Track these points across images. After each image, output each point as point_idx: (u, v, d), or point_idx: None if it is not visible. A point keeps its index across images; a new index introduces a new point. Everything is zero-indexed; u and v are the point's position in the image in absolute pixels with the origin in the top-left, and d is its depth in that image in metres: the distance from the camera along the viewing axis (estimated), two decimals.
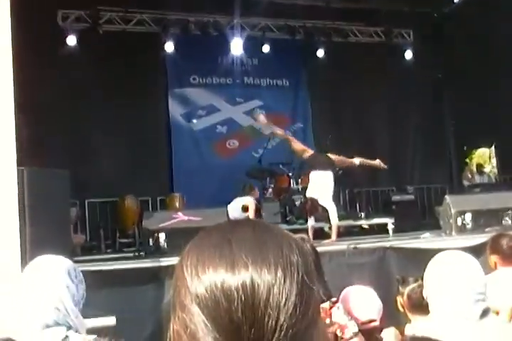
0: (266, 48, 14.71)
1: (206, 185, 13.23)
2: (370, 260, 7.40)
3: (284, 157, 13.77)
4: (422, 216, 13.57)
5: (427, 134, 15.35)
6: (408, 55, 15.38)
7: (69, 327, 2.46)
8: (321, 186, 9.63)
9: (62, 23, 13.15)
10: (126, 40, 13.31)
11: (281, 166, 12.87)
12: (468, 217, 8.57)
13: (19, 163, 4.88)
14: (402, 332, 3.62)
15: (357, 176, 12.78)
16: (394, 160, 14.95)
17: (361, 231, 11.90)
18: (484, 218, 8.63)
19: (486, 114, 13.65)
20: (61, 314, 2.46)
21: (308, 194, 9.76)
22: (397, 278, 3.89)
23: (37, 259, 2.65)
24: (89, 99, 12.83)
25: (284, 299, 0.94)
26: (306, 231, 8.97)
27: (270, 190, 12.43)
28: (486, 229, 8.22)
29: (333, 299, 3.28)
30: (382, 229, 11.13)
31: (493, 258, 4.41)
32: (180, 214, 8.06)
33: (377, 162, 10.69)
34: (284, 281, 0.96)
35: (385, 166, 10.77)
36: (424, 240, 8.43)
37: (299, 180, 12.38)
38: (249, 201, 10.53)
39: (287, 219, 11.73)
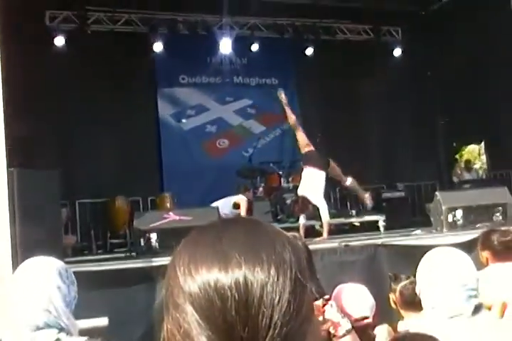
0: (255, 47, 14.71)
1: (196, 184, 13.22)
2: (361, 257, 7.41)
3: (274, 156, 13.83)
4: (412, 213, 13.60)
5: (417, 131, 15.37)
6: (397, 52, 15.43)
7: (60, 329, 2.45)
8: (312, 184, 9.57)
9: (50, 24, 13.09)
10: (115, 41, 13.28)
11: (271, 165, 12.89)
12: (458, 213, 8.60)
13: (9, 165, 4.86)
14: (394, 329, 3.63)
15: (346, 174, 12.79)
16: (384, 157, 15.01)
17: (352, 229, 11.92)
18: (475, 214, 8.66)
19: (475, 110, 13.70)
20: (52, 316, 2.44)
21: (300, 191, 9.70)
22: (390, 275, 3.91)
23: (28, 261, 2.64)
24: (78, 100, 12.79)
25: (277, 297, 0.94)
26: (297, 229, 8.97)
27: (261, 188, 12.45)
28: (477, 225, 8.25)
29: (326, 296, 3.28)
30: (373, 227, 11.15)
31: (485, 254, 4.42)
32: (171, 213, 8.04)
33: (367, 196, 10.47)
34: (278, 279, 0.95)
35: (371, 204, 10.52)
36: (416, 237, 8.46)
37: (290, 179, 12.40)
38: (241, 198, 10.52)
39: (278, 217, 11.75)
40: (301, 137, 10.22)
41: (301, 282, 0.98)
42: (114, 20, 13.65)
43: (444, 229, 8.61)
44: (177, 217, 7.89)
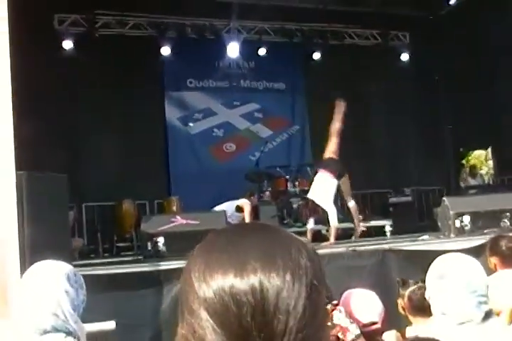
0: (262, 51, 14.72)
1: (203, 188, 13.20)
2: (369, 262, 7.37)
3: (281, 160, 13.82)
4: (419, 218, 13.55)
5: (424, 136, 15.35)
6: (404, 57, 15.41)
7: (68, 333, 2.45)
8: (323, 188, 9.52)
9: (58, 27, 13.13)
10: (123, 44, 13.31)
11: (278, 169, 12.88)
12: (466, 218, 8.56)
13: (18, 168, 4.87)
14: (403, 335, 3.62)
15: (354, 178, 12.76)
16: (391, 162, 14.98)
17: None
18: (483, 220, 8.61)
19: (482, 115, 13.67)
20: (60, 320, 2.44)
21: (310, 194, 9.65)
22: (398, 280, 3.90)
23: (36, 265, 2.64)
24: (86, 103, 12.85)
25: (293, 303, 0.94)
26: (304, 233, 8.96)
27: (267, 193, 12.44)
28: (485, 231, 8.21)
29: (335, 302, 3.28)
30: (379, 232, 11.12)
31: (493, 260, 4.41)
32: (178, 217, 8.02)
33: (359, 225, 10.25)
34: (293, 285, 0.95)
35: (359, 233, 10.32)
36: (423, 242, 8.41)
37: (296, 183, 12.39)
38: (244, 202, 10.47)
39: (285, 221, 11.74)
40: (333, 145, 10.10)
41: (317, 288, 0.99)
42: (123, 24, 13.69)
43: (452, 235, 8.57)
44: (184, 221, 7.88)
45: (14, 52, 4.81)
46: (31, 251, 5.10)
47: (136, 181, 12.53)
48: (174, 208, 12.06)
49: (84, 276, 2.73)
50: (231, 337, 0.93)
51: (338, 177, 9.59)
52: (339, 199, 10.66)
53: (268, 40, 14.78)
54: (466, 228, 8.56)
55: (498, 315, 3.28)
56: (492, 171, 15.37)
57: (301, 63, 15.52)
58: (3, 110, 4.60)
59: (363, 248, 7.80)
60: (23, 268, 4.43)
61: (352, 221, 10.22)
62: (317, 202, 9.39)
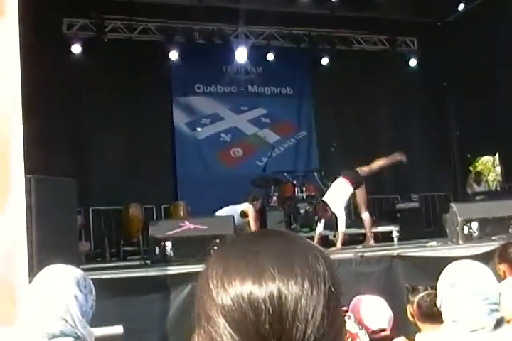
0: (270, 56, 14.75)
1: (210, 193, 13.17)
2: (377, 268, 7.37)
3: (288, 165, 13.80)
4: (426, 224, 13.54)
5: (432, 142, 15.35)
6: (412, 63, 15.41)
7: (76, 338, 2.44)
8: (337, 193, 9.83)
9: (67, 32, 13.18)
10: (131, 49, 13.36)
11: (285, 174, 12.87)
12: (474, 225, 8.54)
13: (26, 172, 4.87)
14: None
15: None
16: (398, 167, 14.93)
17: (365, 239, 11.86)
18: (491, 226, 8.59)
19: (490, 121, 13.62)
20: (68, 325, 2.44)
21: (325, 197, 9.95)
22: (407, 287, 3.87)
23: (46, 269, 2.63)
24: (94, 107, 12.89)
25: (311, 311, 0.94)
26: (311, 239, 8.94)
27: (274, 198, 12.42)
28: (493, 238, 8.19)
29: (344, 308, 3.26)
30: (387, 237, 11.10)
31: (502, 267, 4.39)
32: (186, 222, 8.02)
33: (371, 237, 10.32)
34: (312, 293, 0.95)
35: (369, 244, 10.31)
36: (431, 248, 8.39)
37: (304, 188, 12.39)
38: (248, 207, 10.40)
39: (292, 227, 11.74)
40: (367, 169, 10.41)
41: (335, 295, 0.98)
42: (131, 29, 13.74)
43: (460, 241, 8.54)
44: (192, 226, 7.88)
45: (23, 57, 4.82)
46: (39, 255, 5.11)
47: (143, 186, 12.55)
48: (181, 213, 12.07)
49: (92, 280, 2.73)
50: None
51: (355, 186, 9.89)
52: (352, 208, 10.79)
53: (276, 45, 14.80)
54: (474, 234, 8.54)
55: (508, 322, 3.26)
56: (500, 177, 15.30)
57: (309, 68, 15.53)
58: (14, 115, 4.61)
59: (371, 254, 7.80)
60: (31, 271, 4.43)
61: (364, 230, 10.33)
62: (329, 204, 9.67)
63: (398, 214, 12.80)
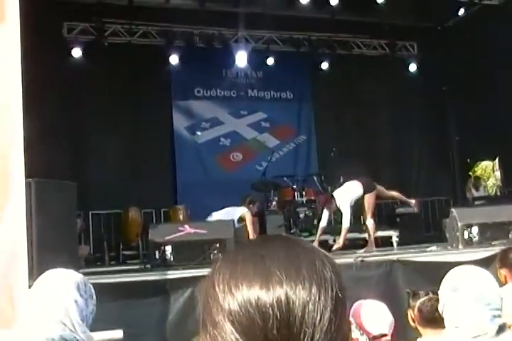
0: (270, 61, 14.75)
1: (210, 197, 13.13)
2: (377, 273, 7.36)
3: (287, 169, 13.79)
4: (426, 229, 13.53)
5: (431, 147, 15.36)
6: (412, 67, 15.42)
7: None
8: (346, 192, 9.90)
9: (67, 35, 13.19)
10: (131, 53, 13.37)
11: (285, 179, 12.86)
12: (474, 230, 8.53)
13: (27, 175, 4.87)
14: None
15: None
16: (398, 172, 14.95)
17: (366, 244, 11.84)
18: (491, 231, 8.57)
19: (490, 126, 13.62)
20: (67, 329, 2.43)
21: (334, 193, 10.06)
22: (408, 292, 3.86)
23: (47, 273, 2.63)
24: (94, 111, 12.90)
25: (319, 316, 0.93)
26: (312, 242, 8.94)
27: (274, 202, 12.41)
28: (493, 243, 8.18)
29: None
30: (386, 242, 11.09)
31: (503, 272, 4.39)
32: (186, 226, 7.99)
33: (373, 242, 10.30)
34: (319, 298, 0.95)
35: (370, 250, 10.43)
36: (431, 253, 8.38)
37: (303, 193, 12.38)
38: (244, 212, 10.35)
39: (291, 231, 11.72)
40: (389, 192, 10.68)
41: (342, 301, 0.98)
42: (131, 33, 13.73)
43: (460, 246, 8.53)
44: (192, 230, 7.86)
45: (24, 61, 4.82)
46: (39, 259, 5.10)
47: (142, 189, 12.54)
48: (180, 217, 12.07)
49: (92, 284, 2.72)
50: None
51: (365, 189, 9.93)
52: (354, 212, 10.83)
53: (276, 49, 14.81)
54: (475, 239, 8.53)
55: (510, 328, 3.26)
56: (499, 182, 15.28)
57: (309, 73, 15.54)
58: (14, 119, 4.61)
59: (371, 258, 7.79)
60: (31, 275, 4.43)
61: (366, 236, 10.35)
62: (336, 200, 9.78)
63: (398, 219, 12.80)
